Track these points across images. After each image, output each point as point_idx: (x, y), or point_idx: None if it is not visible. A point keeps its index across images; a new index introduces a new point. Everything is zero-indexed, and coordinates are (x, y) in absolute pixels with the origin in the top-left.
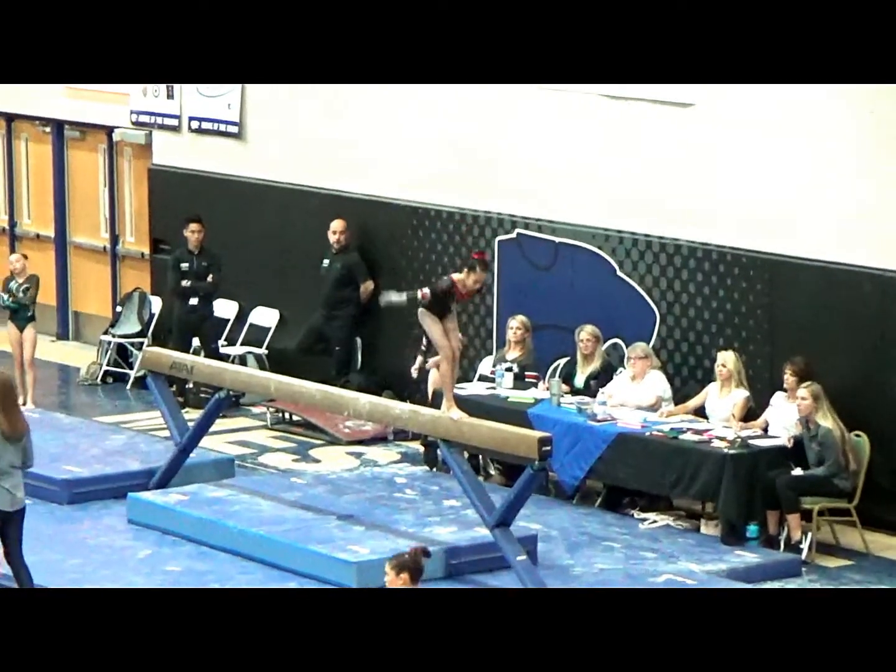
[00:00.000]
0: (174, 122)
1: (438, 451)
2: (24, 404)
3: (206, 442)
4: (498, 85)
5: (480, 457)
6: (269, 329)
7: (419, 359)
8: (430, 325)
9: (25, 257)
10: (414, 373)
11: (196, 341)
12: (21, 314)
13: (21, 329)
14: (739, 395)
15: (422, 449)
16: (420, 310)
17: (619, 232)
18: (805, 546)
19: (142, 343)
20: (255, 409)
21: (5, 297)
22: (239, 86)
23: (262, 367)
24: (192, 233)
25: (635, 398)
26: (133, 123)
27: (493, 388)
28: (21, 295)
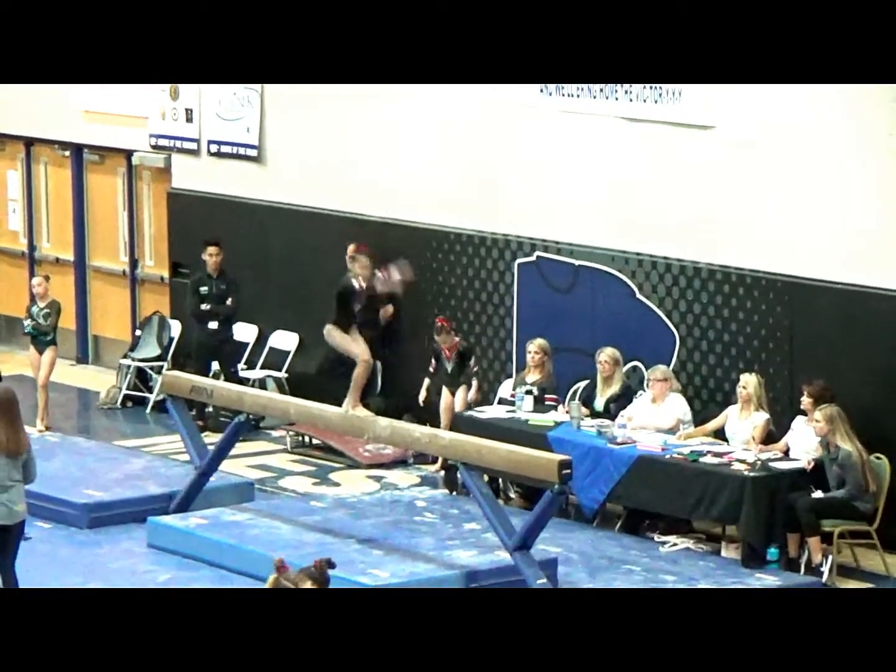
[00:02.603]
0: (193, 145)
1: (458, 475)
2: (48, 428)
3: (225, 466)
4: (517, 107)
5: (500, 480)
6: (288, 352)
7: (426, 381)
8: (339, 337)
9: (47, 279)
10: (421, 399)
11: (215, 365)
12: (41, 338)
13: (41, 352)
14: (760, 418)
15: (442, 472)
16: (327, 327)
17: (639, 254)
18: (826, 569)
19: (161, 367)
20: (275, 433)
21: (26, 322)
22: (257, 109)
23: (281, 391)
24: (211, 256)
25: (655, 421)
26: (152, 147)
27: (513, 411)
28: (42, 321)
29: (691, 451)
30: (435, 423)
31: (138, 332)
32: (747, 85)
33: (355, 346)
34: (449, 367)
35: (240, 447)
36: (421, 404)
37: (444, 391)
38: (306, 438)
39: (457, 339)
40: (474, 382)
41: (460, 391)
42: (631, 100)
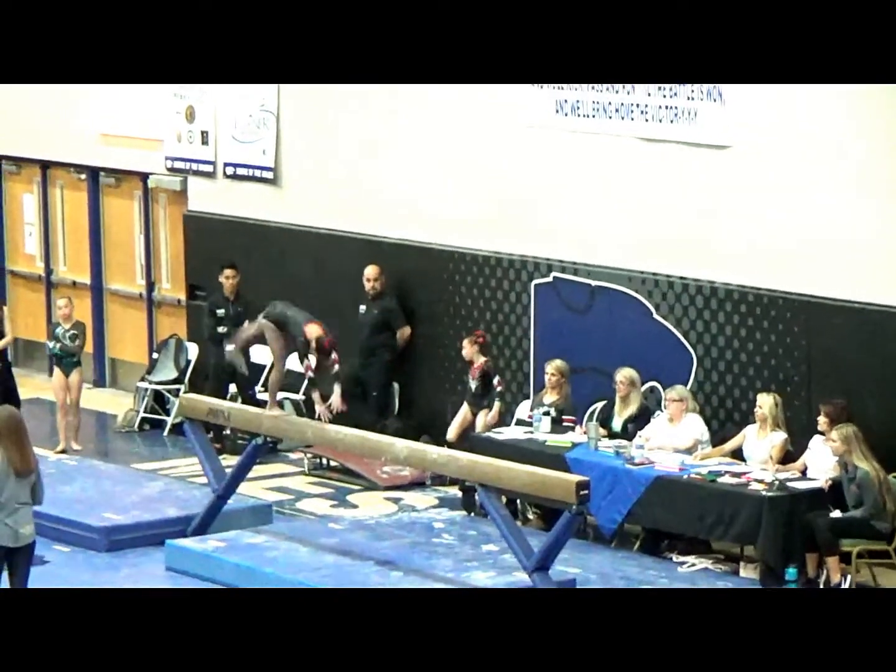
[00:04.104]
0: (209, 167)
1: (476, 496)
2: (64, 451)
3: (243, 488)
4: (533, 128)
5: (518, 501)
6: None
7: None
8: (276, 339)
9: (71, 301)
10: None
11: (233, 387)
12: (67, 360)
13: (67, 374)
14: (777, 438)
15: (460, 494)
16: (265, 322)
17: (655, 275)
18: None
19: (178, 389)
20: (293, 455)
21: (51, 344)
22: (273, 131)
23: (298, 413)
24: (227, 279)
25: (673, 441)
26: (168, 170)
27: (531, 432)
28: (68, 343)
29: (709, 472)
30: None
31: (155, 355)
32: (761, 104)
33: (281, 350)
34: (472, 385)
35: (257, 470)
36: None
37: (465, 406)
38: (324, 460)
39: (483, 359)
40: (496, 403)
41: (482, 413)
42: (646, 120)
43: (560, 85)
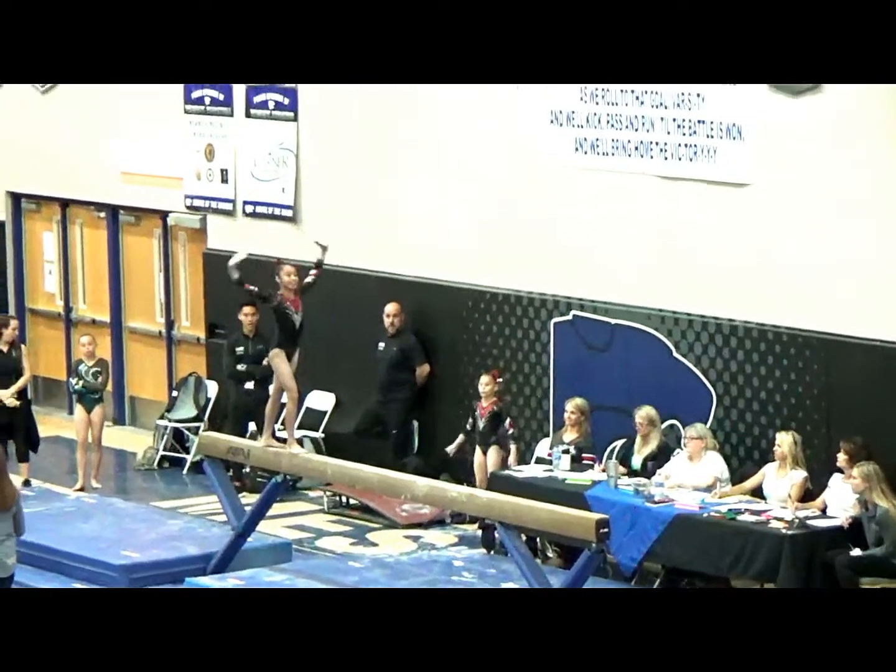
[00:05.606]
0: (228, 206)
1: (496, 534)
2: (83, 489)
3: (263, 526)
4: (552, 166)
5: (538, 539)
6: (325, 413)
7: (461, 437)
8: (280, 365)
9: (94, 339)
10: (450, 451)
11: (252, 425)
12: (89, 396)
13: (89, 411)
14: (797, 476)
15: (479, 532)
16: (274, 350)
17: (675, 313)
18: None
19: (198, 427)
20: (312, 493)
21: (73, 381)
22: (293, 169)
23: (318, 451)
24: (247, 316)
25: (693, 479)
26: (188, 208)
27: (551, 470)
28: (91, 380)
29: (729, 510)
30: (472, 482)
31: (175, 393)
32: (781, 141)
33: (292, 381)
34: (481, 425)
35: (277, 508)
36: (450, 455)
37: (477, 450)
38: (343, 498)
39: (493, 399)
40: (512, 446)
41: (491, 451)
42: (666, 158)
43: (579, 123)
